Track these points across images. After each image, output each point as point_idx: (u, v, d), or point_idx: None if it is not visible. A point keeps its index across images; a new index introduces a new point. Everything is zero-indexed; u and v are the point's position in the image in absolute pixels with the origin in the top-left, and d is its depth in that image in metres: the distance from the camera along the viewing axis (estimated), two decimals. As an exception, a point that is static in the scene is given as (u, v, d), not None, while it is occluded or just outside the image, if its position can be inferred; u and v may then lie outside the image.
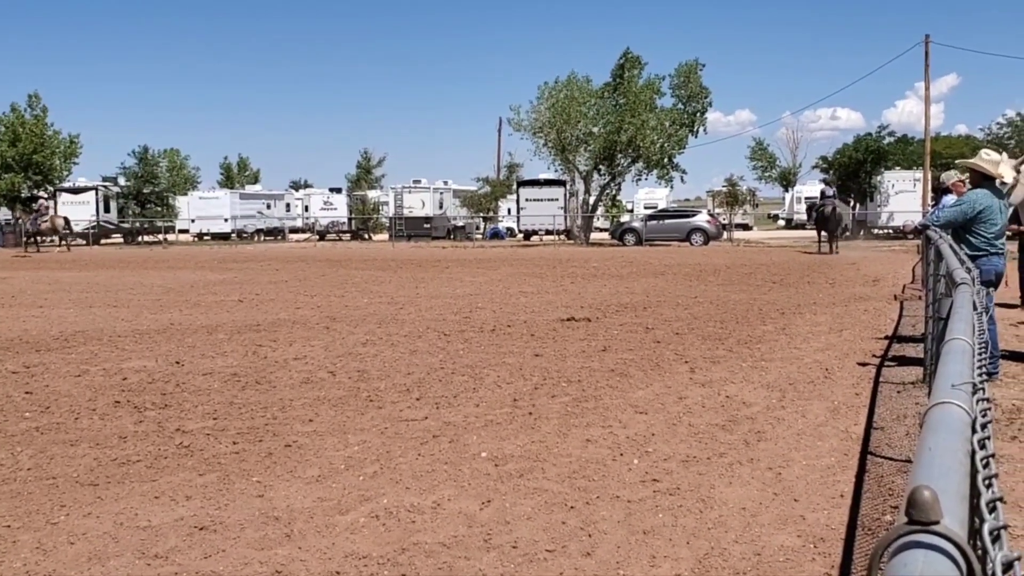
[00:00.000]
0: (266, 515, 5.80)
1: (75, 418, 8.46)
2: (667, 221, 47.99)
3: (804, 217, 47.64)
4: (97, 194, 58.72)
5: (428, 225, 57.96)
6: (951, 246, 7.78)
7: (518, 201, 57.97)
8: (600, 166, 52.58)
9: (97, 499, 6.18)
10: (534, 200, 55.82)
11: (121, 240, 58.04)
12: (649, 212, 55.37)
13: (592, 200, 53.17)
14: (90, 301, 19.27)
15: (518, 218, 58.35)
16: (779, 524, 5.58)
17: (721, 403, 8.85)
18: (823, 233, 37.41)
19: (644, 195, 70.11)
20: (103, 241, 56.42)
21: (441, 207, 61.96)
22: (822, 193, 39.71)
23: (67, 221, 46.06)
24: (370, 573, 4.91)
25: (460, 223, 61.07)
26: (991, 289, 9.36)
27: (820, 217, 37.52)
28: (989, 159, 9.74)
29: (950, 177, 13.43)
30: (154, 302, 18.97)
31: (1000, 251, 9.64)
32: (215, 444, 7.52)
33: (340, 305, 17.93)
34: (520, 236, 57.95)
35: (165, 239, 57.15)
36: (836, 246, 36.44)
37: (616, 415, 8.35)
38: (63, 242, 46.19)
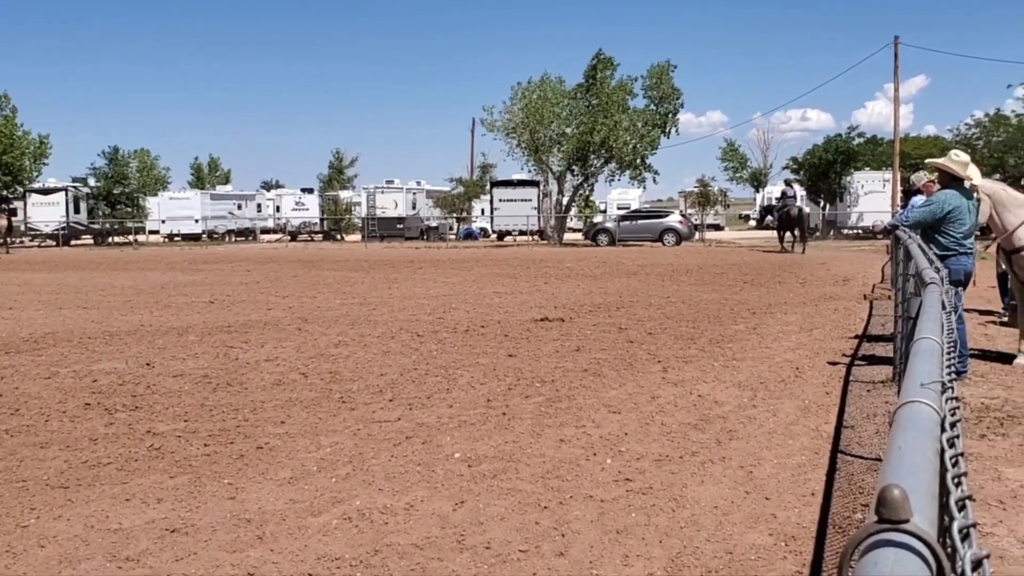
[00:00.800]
0: (238, 517, 5.77)
1: (45, 420, 8.39)
2: (640, 221, 48.10)
3: (760, 217, 47.35)
4: (67, 195, 58.09)
5: (401, 226, 57.82)
6: (920, 246, 7.84)
7: (491, 201, 57.94)
8: (573, 166, 52.66)
9: (67, 502, 6.13)
10: (507, 200, 55.79)
11: (91, 241, 57.60)
12: (622, 212, 55.50)
13: (565, 200, 53.23)
14: (60, 303, 19.10)
15: (491, 218, 58.33)
16: (751, 522, 5.61)
17: (693, 402, 8.88)
18: (788, 233, 37.58)
19: (617, 195, 70.29)
20: (73, 242, 55.94)
21: (414, 207, 61.78)
22: (783, 193, 40.12)
23: (10, 223, 45.61)
24: (343, 575, 4.90)
25: (433, 223, 60.97)
26: (960, 288, 9.44)
27: (786, 217, 37.54)
28: (958, 160, 9.83)
29: (920, 179, 13.51)
30: (124, 303, 18.83)
31: (969, 251, 9.72)
32: (186, 446, 7.47)
33: (312, 306, 17.86)
34: (493, 236, 57.94)
35: (135, 240, 56.76)
36: (804, 247, 36.82)
37: (589, 415, 8.36)
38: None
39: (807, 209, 38.71)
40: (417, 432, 7.80)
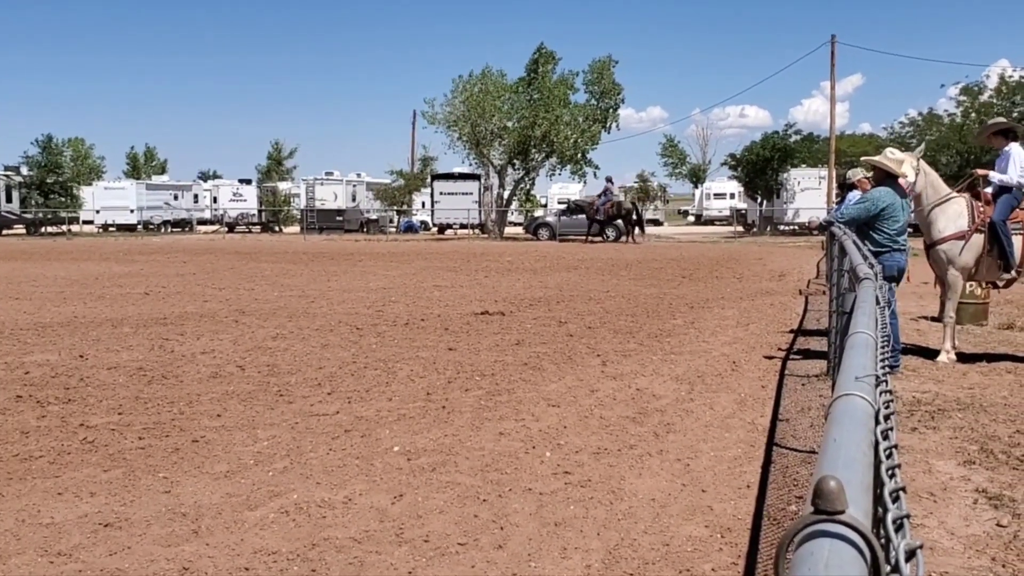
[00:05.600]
0: (173, 511, 5.70)
1: (-27, 414, 8.21)
2: (580, 216, 48.24)
3: (570, 211, 50.04)
4: (-2, 184, 57.00)
5: (341, 218, 57.47)
6: (855, 242, 7.96)
7: (432, 195, 57.72)
8: (514, 160, 52.65)
9: (-4, 497, 6.01)
10: (448, 194, 55.64)
11: (23, 231, 56.43)
12: (563, 207, 55.65)
13: (506, 194, 53.25)
14: (-11, 293, 18.70)
15: (432, 212, 58.11)
16: (687, 515, 5.66)
17: (632, 396, 8.94)
18: (624, 224, 42.62)
19: (558, 190, 70.38)
20: (5, 232, 54.77)
21: (354, 200, 61.41)
22: (607, 190, 44.76)
23: None
24: (279, 569, 4.86)
25: (373, 216, 60.63)
26: (893, 284, 9.62)
27: (618, 211, 42.69)
28: (893, 158, 10.01)
29: (856, 174, 13.74)
30: (57, 294, 18.49)
31: (902, 247, 9.89)
32: (120, 439, 7.36)
33: (249, 298, 17.69)
34: (434, 230, 57.80)
35: (69, 230, 55.76)
36: (643, 234, 42.81)
37: (529, 408, 8.38)
38: None
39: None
40: (356, 425, 7.76)
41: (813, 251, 30.84)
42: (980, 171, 10.77)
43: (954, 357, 10.46)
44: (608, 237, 43.19)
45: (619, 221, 43.24)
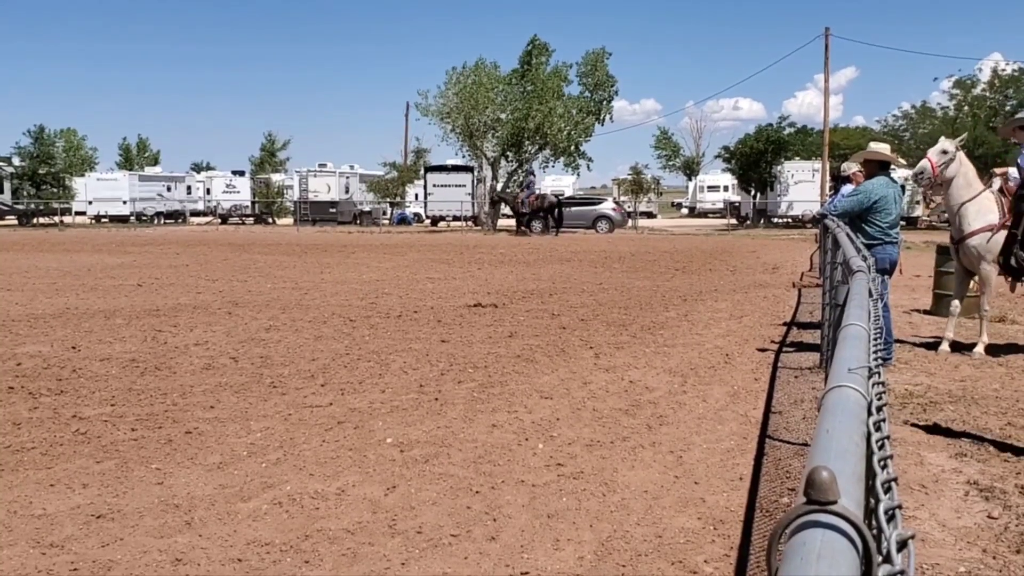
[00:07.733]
0: (166, 503, 5.69)
1: (-35, 405, 8.19)
2: (573, 208, 48.17)
3: (492, 202, 50.31)
4: (-10, 174, 56.81)
5: (334, 210, 57.42)
6: (848, 235, 7.97)
7: (425, 187, 57.78)
8: (508, 152, 52.59)
9: (-12, 488, 5.99)
10: (441, 186, 55.69)
11: (15, 222, 56.28)
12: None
13: (499, 186, 53.21)
14: (-19, 284, 18.65)
15: (425, 204, 58.17)
16: (680, 506, 5.67)
17: (624, 388, 8.95)
18: (546, 217, 43.11)
19: (551, 182, 70.40)
20: (-4, 223, 54.68)
21: (347, 192, 61.33)
22: (530, 183, 45.60)
23: None
24: (272, 560, 4.85)
25: (366, 208, 60.56)
26: (886, 277, 9.64)
27: (543, 205, 43.21)
28: (878, 147, 10.13)
29: (850, 167, 13.78)
30: (50, 286, 18.45)
31: (895, 240, 9.92)
32: (113, 431, 7.35)
33: (243, 290, 17.66)
34: (427, 222, 57.79)
35: (61, 221, 55.63)
36: (558, 231, 42.58)
37: (522, 400, 8.38)
38: None
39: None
40: (349, 417, 7.76)
41: (807, 244, 30.89)
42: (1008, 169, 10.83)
43: (982, 352, 10.48)
44: (534, 230, 43.18)
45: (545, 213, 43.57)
